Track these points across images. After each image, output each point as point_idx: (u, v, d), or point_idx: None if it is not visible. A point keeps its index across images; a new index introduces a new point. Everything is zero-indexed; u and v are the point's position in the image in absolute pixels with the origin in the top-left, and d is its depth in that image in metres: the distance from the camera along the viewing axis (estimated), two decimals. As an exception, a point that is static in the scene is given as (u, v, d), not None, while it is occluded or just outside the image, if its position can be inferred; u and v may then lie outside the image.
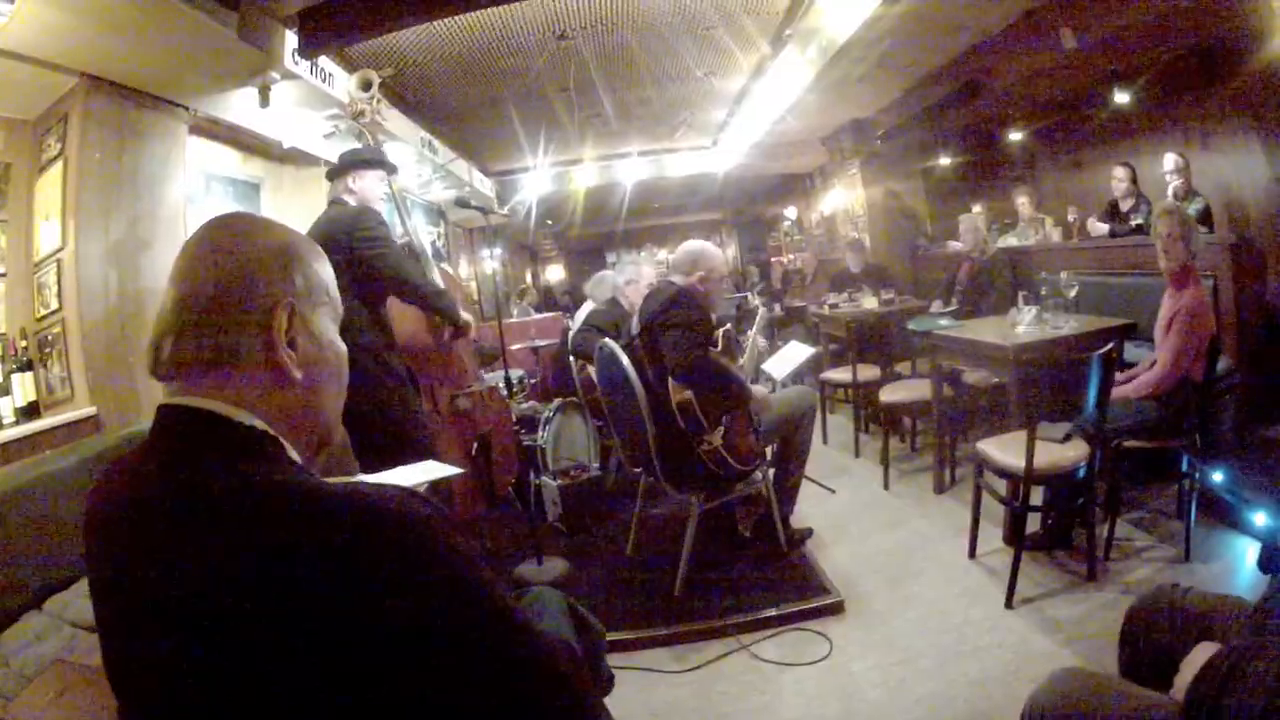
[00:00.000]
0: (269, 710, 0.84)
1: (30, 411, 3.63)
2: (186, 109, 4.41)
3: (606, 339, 3.92)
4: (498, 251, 13.15)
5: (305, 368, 1.06)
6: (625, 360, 3.65)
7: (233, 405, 1.00)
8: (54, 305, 3.73)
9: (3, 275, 3.84)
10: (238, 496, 0.90)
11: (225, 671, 0.84)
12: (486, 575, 0.96)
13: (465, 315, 3.96)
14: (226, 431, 0.98)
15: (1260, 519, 3.51)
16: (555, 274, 19.33)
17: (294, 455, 1.05)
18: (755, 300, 6.27)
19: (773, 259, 16.39)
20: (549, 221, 13.76)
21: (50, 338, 3.75)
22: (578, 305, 10.36)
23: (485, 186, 10.13)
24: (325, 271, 1.14)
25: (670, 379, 3.55)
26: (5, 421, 3.51)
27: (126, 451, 1.06)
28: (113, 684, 1.00)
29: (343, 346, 1.16)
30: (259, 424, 1.01)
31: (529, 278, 17.49)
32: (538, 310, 11.60)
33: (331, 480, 1.00)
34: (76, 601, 2.89)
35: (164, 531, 0.91)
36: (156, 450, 1.00)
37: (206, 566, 0.86)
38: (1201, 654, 1.50)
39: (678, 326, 3.54)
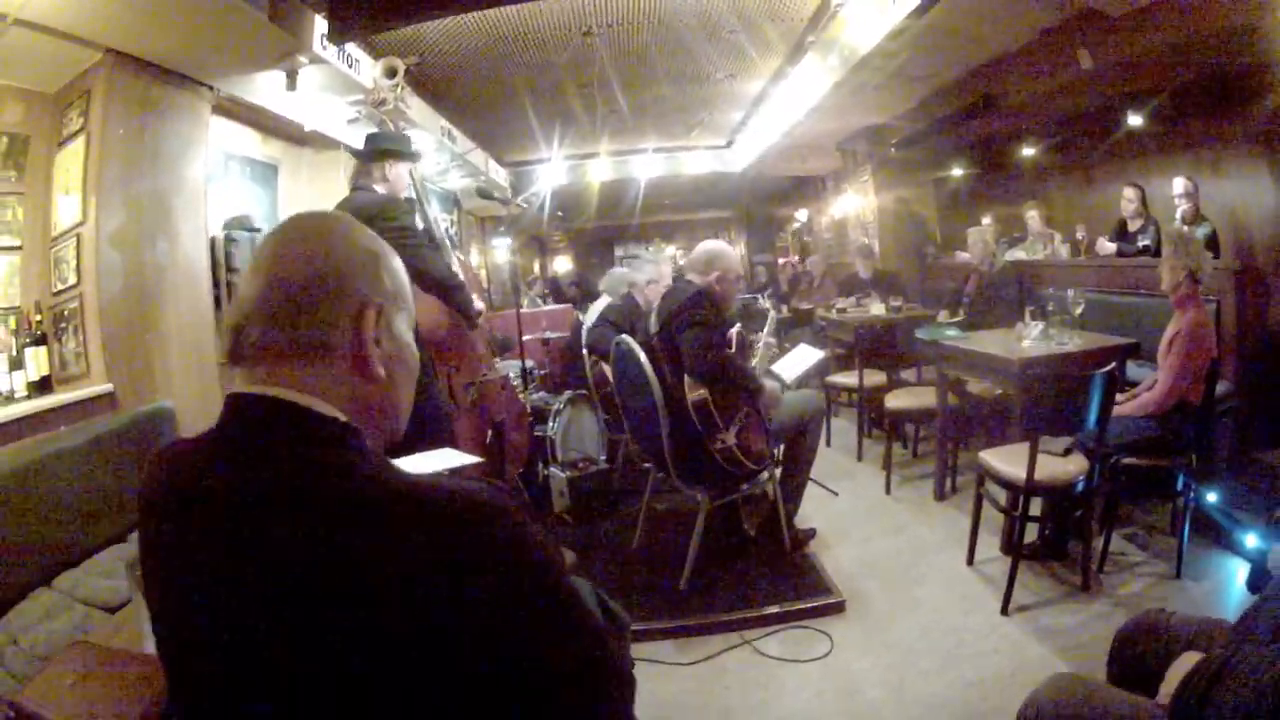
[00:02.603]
0: (351, 696, 0.85)
1: (43, 386, 3.66)
2: (210, 88, 4.47)
3: (624, 335, 3.99)
4: (509, 241, 13.20)
5: (386, 366, 1.07)
6: (643, 357, 3.72)
7: (316, 397, 1.00)
8: (71, 280, 3.74)
9: (18, 248, 3.84)
10: (333, 486, 0.91)
11: (314, 656, 0.86)
12: (564, 569, 0.99)
13: (479, 304, 4.02)
14: (313, 423, 0.98)
15: (1251, 540, 3.59)
16: (563, 265, 19.35)
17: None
18: (765, 303, 6.31)
19: (780, 259, 16.42)
20: (560, 213, 13.80)
21: (67, 313, 3.76)
22: (585, 297, 10.41)
23: (500, 176, 10.19)
24: (405, 276, 1.15)
25: (686, 377, 3.64)
26: (17, 395, 3.54)
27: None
28: (171, 667, 1.02)
29: (416, 349, 1.16)
30: (340, 415, 1.01)
31: (537, 268, 17.54)
32: (543, 300, 11.65)
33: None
34: (88, 580, 2.92)
35: (256, 520, 0.90)
36: (238, 439, 1.00)
37: (301, 554, 0.86)
38: (1186, 661, 1.59)
39: (696, 325, 3.63)
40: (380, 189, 3.70)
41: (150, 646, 2.30)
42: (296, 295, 1.01)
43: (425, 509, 0.89)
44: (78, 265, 3.74)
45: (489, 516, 0.90)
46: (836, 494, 5.12)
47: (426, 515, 0.88)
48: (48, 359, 3.74)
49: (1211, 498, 3.87)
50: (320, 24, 4.33)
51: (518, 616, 0.90)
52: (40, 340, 3.72)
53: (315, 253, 1.04)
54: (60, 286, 3.81)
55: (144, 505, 1.06)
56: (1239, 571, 3.59)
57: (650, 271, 5.52)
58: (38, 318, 3.78)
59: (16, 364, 3.59)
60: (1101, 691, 1.74)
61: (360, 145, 3.86)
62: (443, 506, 0.89)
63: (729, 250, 4.05)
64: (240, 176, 5.57)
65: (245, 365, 1.02)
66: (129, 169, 3.92)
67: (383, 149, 3.76)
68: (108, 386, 3.69)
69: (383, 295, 1.08)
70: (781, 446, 4.26)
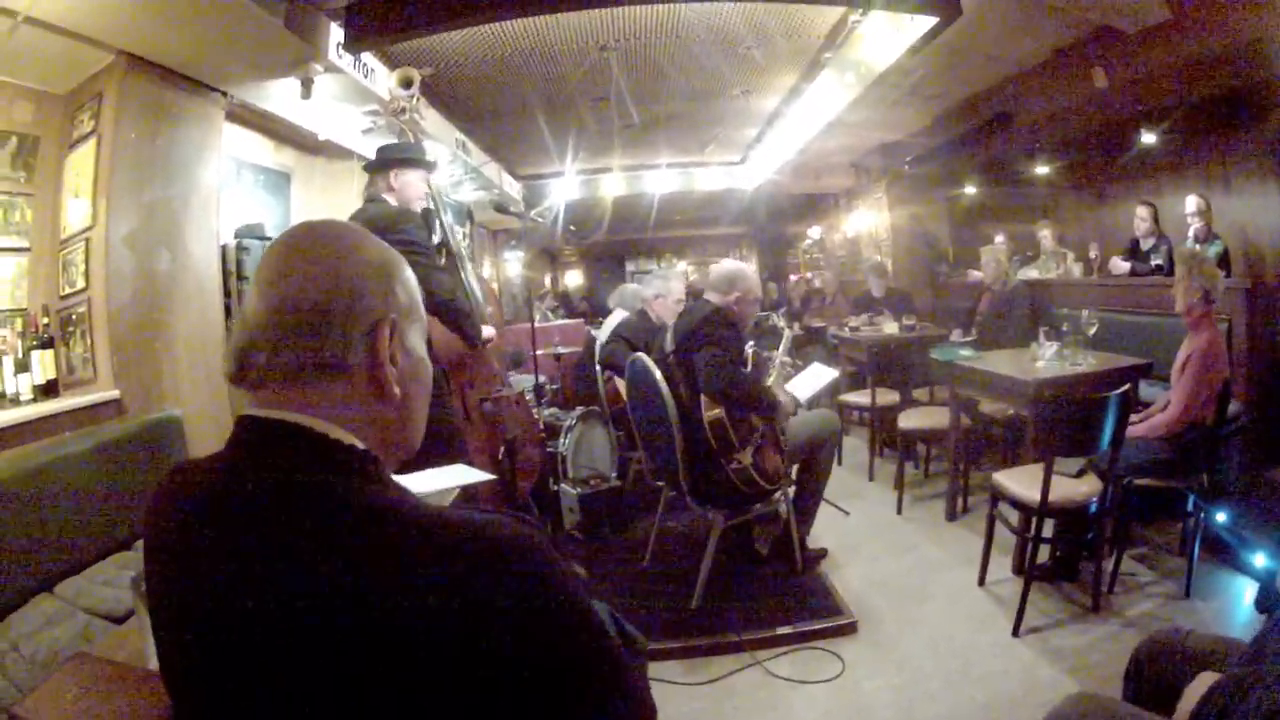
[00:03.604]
0: None
1: (49, 390, 3.65)
2: (224, 94, 4.47)
3: (639, 353, 3.99)
4: (521, 254, 13.23)
5: (402, 384, 1.03)
6: (658, 374, 3.73)
7: (329, 421, 0.96)
8: (80, 284, 3.73)
9: (27, 250, 3.84)
10: (351, 519, 0.88)
11: (328, 691, 0.83)
12: (588, 601, 0.97)
13: (488, 331, 4.01)
14: (328, 451, 0.95)
15: (1260, 560, 3.60)
16: (574, 279, 19.36)
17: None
18: (779, 321, 6.29)
19: (792, 276, 16.39)
20: (572, 227, 13.81)
21: (74, 317, 3.75)
22: (596, 311, 10.38)
23: (514, 189, 10.19)
24: (417, 287, 1.11)
25: (702, 395, 3.64)
26: (23, 398, 3.53)
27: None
28: (174, 691, 1.00)
29: (430, 364, 1.13)
30: (357, 442, 0.98)
31: (548, 281, 17.57)
32: (554, 313, 11.63)
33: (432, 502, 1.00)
34: (91, 588, 2.89)
35: (269, 552, 0.87)
36: (250, 466, 0.95)
37: (318, 586, 0.83)
38: (1203, 683, 1.59)
39: (713, 344, 3.63)
40: (390, 199, 3.66)
41: (154, 663, 2.28)
42: (307, 313, 0.96)
43: (449, 543, 0.86)
44: (86, 269, 3.72)
45: (516, 552, 0.88)
46: (848, 513, 5.11)
47: (450, 550, 0.85)
48: (54, 363, 3.72)
49: (1221, 518, 3.86)
50: (336, 32, 4.31)
51: (541, 654, 0.87)
52: (47, 343, 3.70)
53: (325, 267, 0.99)
54: (68, 290, 3.79)
55: (152, 528, 1.03)
56: (1247, 591, 3.60)
57: (657, 286, 5.49)
58: (45, 320, 3.77)
59: (22, 367, 3.57)
60: (1119, 710, 1.73)
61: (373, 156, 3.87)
62: (467, 541, 0.87)
63: (750, 272, 4.06)
64: (252, 184, 5.58)
65: (250, 386, 0.99)
66: (140, 173, 3.90)
67: (388, 158, 3.74)
68: (115, 393, 3.66)
69: (397, 309, 1.04)
70: (795, 466, 4.25)
